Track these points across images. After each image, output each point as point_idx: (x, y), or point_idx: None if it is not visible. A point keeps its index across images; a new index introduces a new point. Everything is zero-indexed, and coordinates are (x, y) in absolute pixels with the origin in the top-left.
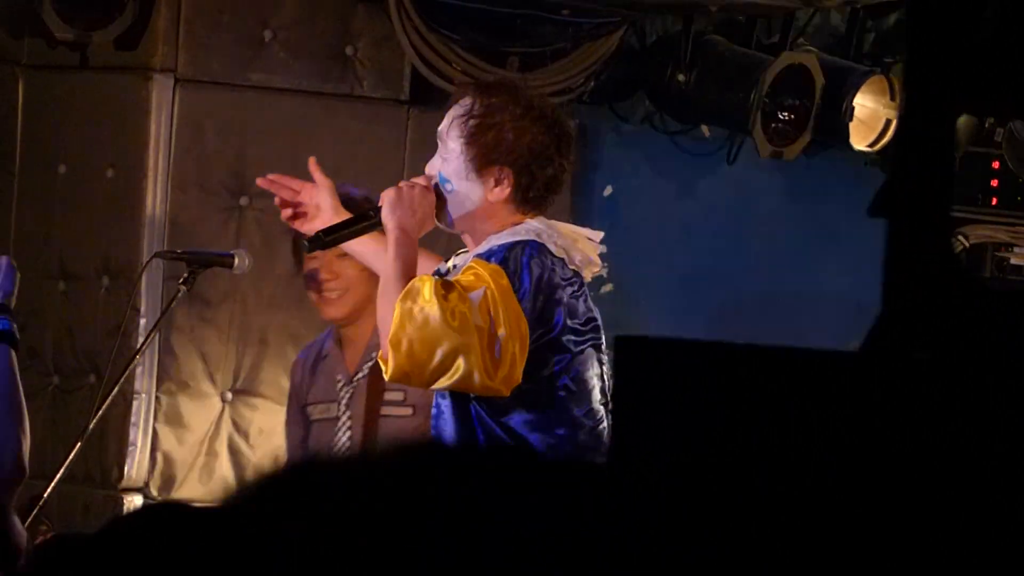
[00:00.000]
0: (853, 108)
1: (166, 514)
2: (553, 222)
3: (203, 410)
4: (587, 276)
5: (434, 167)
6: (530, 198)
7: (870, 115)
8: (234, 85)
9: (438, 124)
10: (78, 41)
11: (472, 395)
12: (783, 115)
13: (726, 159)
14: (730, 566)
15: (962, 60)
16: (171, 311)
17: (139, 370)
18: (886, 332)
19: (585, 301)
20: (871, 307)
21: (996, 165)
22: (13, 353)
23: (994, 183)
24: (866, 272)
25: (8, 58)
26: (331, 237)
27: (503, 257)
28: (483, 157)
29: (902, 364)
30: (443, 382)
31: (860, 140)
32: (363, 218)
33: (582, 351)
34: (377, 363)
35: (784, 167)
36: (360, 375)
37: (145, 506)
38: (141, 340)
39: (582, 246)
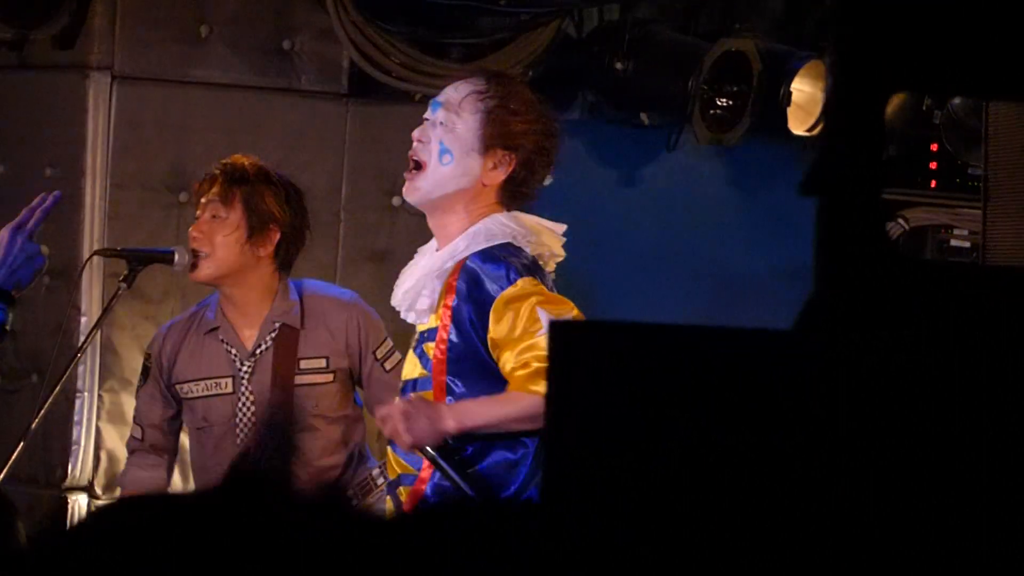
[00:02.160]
0: (791, 93)
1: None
2: (517, 214)
3: None
4: (550, 267)
5: (427, 136)
6: (517, 192)
7: (808, 100)
8: (172, 81)
9: (377, 117)
10: (16, 40)
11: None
12: (722, 102)
13: (666, 146)
14: (674, 550)
15: (893, 37)
16: (112, 309)
17: (81, 369)
18: (817, 311)
19: None
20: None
21: (935, 147)
22: None
23: (933, 165)
24: (808, 255)
25: None
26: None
27: (506, 265)
28: (493, 137)
29: (834, 342)
30: None
31: (798, 125)
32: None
33: None
34: (282, 333)
35: (724, 153)
36: (262, 348)
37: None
38: (83, 339)
39: (546, 239)
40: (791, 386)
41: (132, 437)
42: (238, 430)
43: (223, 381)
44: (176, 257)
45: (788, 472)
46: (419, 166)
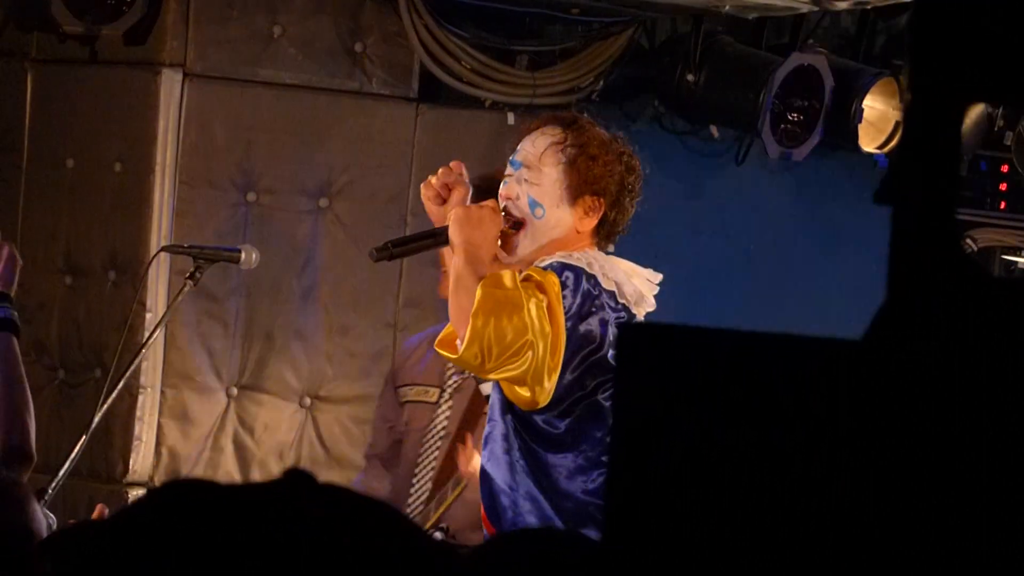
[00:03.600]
0: (862, 110)
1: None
2: (610, 256)
3: (208, 405)
4: (639, 313)
5: (514, 192)
6: (611, 232)
7: (879, 117)
8: (242, 80)
9: (446, 122)
10: (87, 35)
11: (520, 415)
12: (792, 116)
13: (735, 160)
14: (735, 550)
15: (970, 48)
16: (177, 306)
17: (145, 365)
18: (889, 321)
19: None
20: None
21: (1005, 168)
22: (15, 340)
23: (1003, 187)
24: (873, 273)
25: (17, 52)
26: (398, 248)
27: (557, 270)
28: (581, 185)
29: (905, 354)
30: (508, 372)
31: (869, 142)
32: (432, 234)
33: None
34: None
35: (792, 168)
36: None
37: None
38: (147, 335)
39: (637, 282)
40: (856, 395)
41: (368, 444)
42: (426, 440)
43: (431, 390)
44: (242, 256)
45: (852, 480)
46: (519, 225)
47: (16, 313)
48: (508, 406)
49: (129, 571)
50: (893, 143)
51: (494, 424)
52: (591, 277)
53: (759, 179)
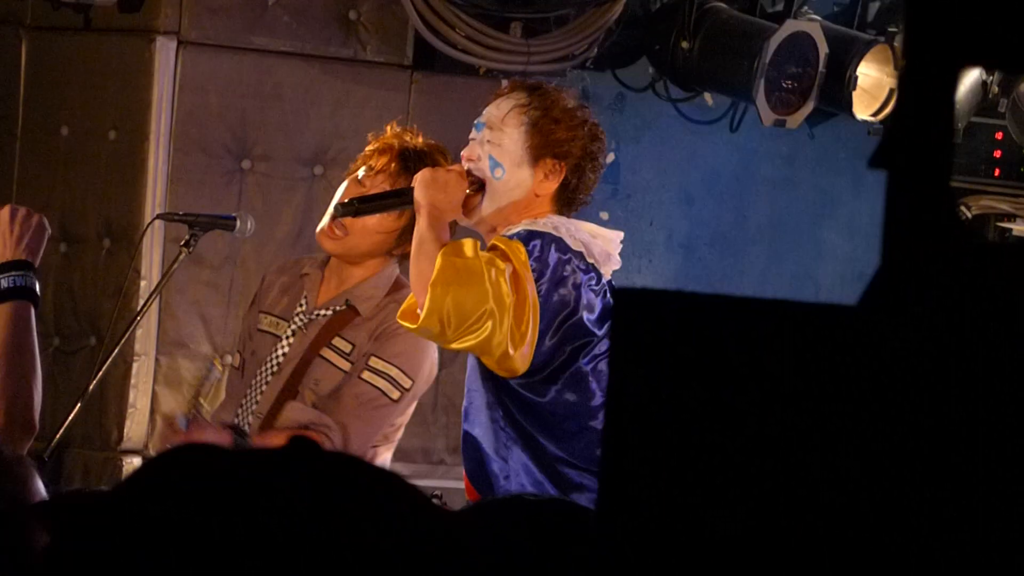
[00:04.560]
0: (856, 77)
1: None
2: (572, 219)
3: (203, 372)
4: (606, 273)
5: (475, 153)
6: (572, 199)
7: (873, 84)
8: (237, 48)
9: (441, 89)
10: (82, 2)
11: (502, 384)
12: (786, 83)
13: (729, 127)
14: (732, 523)
15: (964, 18)
16: (172, 273)
17: (140, 332)
18: (884, 288)
19: (603, 298)
20: (872, 274)
21: (999, 136)
22: (32, 309)
23: (997, 154)
24: (868, 241)
25: (12, 19)
26: (364, 205)
27: (524, 239)
28: (542, 147)
29: (900, 320)
30: (469, 341)
31: (863, 109)
32: (397, 193)
33: (602, 339)
34: (342, 311)
35: (787, 135)
36: (323, 312)
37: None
38: (142, 302)
39: (602, 242)
40: (850, 362)
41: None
42: (258, 374)
43: (282, 323)
44: (237, 223)
45: (848, 445)
46: (480, 186)
47: (38, 283)
48: (488, 374)
49: (127, 541)
50: (887, 110)
51: (474, 393)
52: (559, 241)
53: (753, 146)
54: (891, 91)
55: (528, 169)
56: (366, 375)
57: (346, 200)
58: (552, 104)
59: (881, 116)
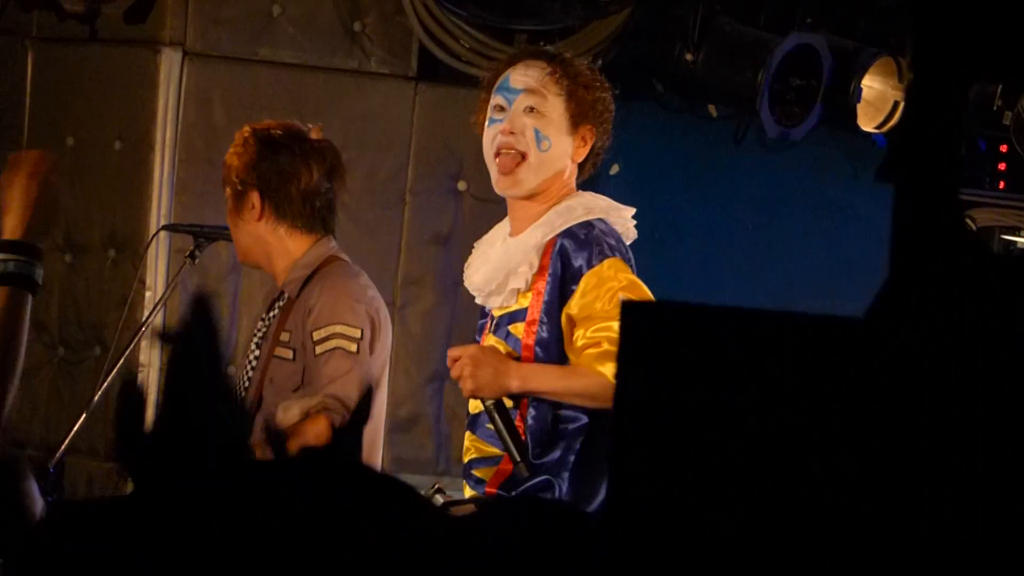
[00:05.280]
0: (861, 89)
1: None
2: (597, 195)
3: None
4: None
5: (519, 125)
6: (594, 162)
7: (878, 96)
8: (242, 59)
9: (445, 101)
10: (87, 13)
11: None
12: (791, 95)
13: (733, 139)
14: (738, 530)
15: (970, 32)
16: (177, 284)
17: (144, 343)
18: (891, 300)
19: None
20: (879, 284)
21: (1004, 148)
22: (27, 297)
23: (1002, 167)
24: (873, 252)
25: (17, 30)
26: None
27: (598, 243)
28: (580, 115)
29: (908, 331)
30: None
31: (867, 121)
32: (505, 424)
33: None
34: (283, 305)
35: (791, 147)
36: (272, 315)
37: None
38: (147, 313)
39: (624, 219)
40: (857, 375)
41: None
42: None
43: (253, 344)
44: None
45: (856, 459)
46: (523, 157)
47: (39, 270)
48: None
49: (129, 542)
50: (892, 122)
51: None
52: (610, 228)
53: (758, 158)
54: (896, 103)
55: (568, 137)
56: (318, 349)
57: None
58: (578, 68)
59: (886, 128)
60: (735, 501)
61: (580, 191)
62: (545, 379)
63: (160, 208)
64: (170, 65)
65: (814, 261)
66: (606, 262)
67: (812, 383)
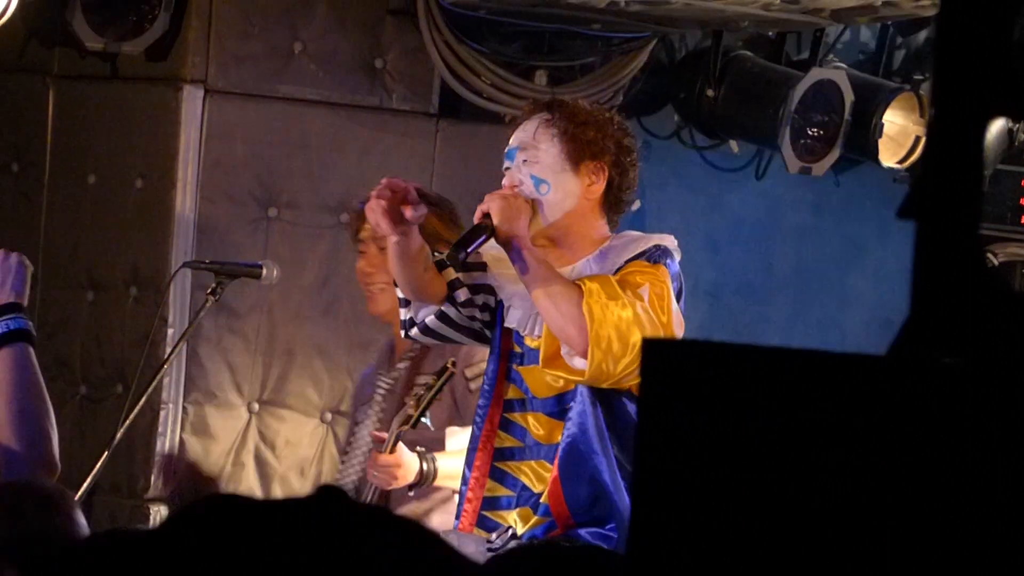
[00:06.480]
0: (882, 125)
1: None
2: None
3: (230, 420)
4: None
5: (517, 177)
6: (618, 199)
7: (899, 132)
8: (263, 96)
9: (466, 137)
10: (108, 52)
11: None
12: (812, 131)
13: (754, 174)
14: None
15: (991, 67)
16: (199, 321)
17: (167, 380)
18: (913, 336)
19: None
20: (899, 322)
21: None
22: (31, 349)
23: (1023, 201)
24: (894, 288)
25: (39, 68)
26: (460, 252)
27: (657, 257)
28: (578, 152)
29: (929, 369)
30: (632, 379)
31: (889, 157)
32: (481, 229)
33: None
34: (418, 355)
35: (812, 183)
36: (402, 364)
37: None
38: (169, 350)
39: (674, 243)
40: (880, 412)
41: None
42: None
43: (371, 401)
44: (263, 271)
45: (877, 499)
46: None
47: (31, 323)
48: (598, 397)
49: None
50: (913, 158)
51: (582, 418)
52: (672, 252)
53: (779, 194)
54: (917, 138)
55: (572, 176)
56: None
57: (445, 255)
58: (575, 110)
59: (907, 163)
60: (757, 544)
61: (623, 232)
62: (539, 262)
63: (182, 245)
64: (191, 102)
65: (838, 298)
66: (658, 264)
67: (833, 422)
